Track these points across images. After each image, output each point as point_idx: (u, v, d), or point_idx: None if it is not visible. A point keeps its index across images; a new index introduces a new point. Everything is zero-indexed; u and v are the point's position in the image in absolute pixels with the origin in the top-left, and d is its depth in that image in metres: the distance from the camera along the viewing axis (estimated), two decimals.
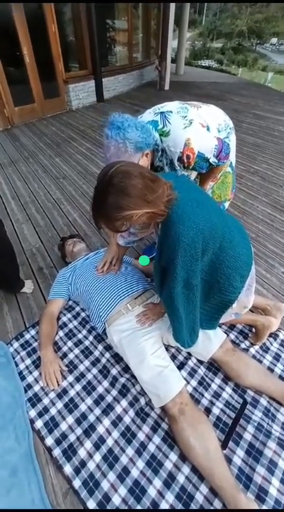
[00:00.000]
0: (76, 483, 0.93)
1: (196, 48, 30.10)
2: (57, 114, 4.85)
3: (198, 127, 1.04)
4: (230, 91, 6.42)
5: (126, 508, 0.89)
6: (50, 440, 1.03)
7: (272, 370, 1.25)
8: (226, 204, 1.49)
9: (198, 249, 0.85)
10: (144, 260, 0.87)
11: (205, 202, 0.93)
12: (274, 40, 33.75)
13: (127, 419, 1.08)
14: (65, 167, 3.09)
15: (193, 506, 0.88)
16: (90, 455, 0.99)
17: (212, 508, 0.88)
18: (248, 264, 1.03)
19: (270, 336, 1.37)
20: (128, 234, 1.30)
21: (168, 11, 5.58)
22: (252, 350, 1.32)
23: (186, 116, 1.04)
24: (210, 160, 1.12)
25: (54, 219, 2.26)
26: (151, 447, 1.01)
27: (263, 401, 1.13)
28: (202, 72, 10.33)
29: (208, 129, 1.08)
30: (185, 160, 1.06)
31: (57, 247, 1.87)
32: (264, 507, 0.87)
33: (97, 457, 0.98)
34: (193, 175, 1.28)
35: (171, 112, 1.05)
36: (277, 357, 1.30)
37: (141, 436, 1.04)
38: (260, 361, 1.28)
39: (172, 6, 5.62)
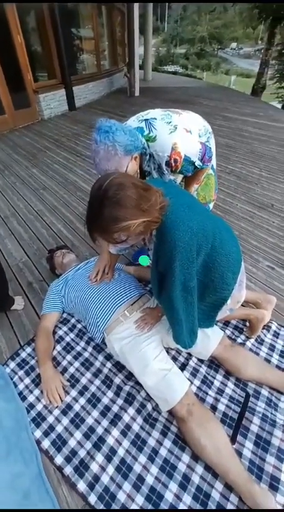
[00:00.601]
0: (92, 499, 0.91)
1: (161, 55, 30.87)
2: (29, 125, 4.76)
3: (183, 132, 1.07)
4: (198, 95, 6.64)
5: None
6: (59, 459, 1.00)
7: (269, 361, 1.30)
8: (211, 205, 1.54)
9: (193, 251, 0.88)
10: (144, 260, 0.87)
11: (195, 206, 0.96)
12: (234, 45, 35.43)
13: (136, 427, 1.07)
14: (44, 178, 3.04)
15: (210, 505, 0.90)
16: (103, 469, 0.97)
17: (228, 503, 0.90)
18: (239, 261, 1.07)
19: (263, 328, 1.42)
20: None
21: (132, 18, 5.69)
22: (248, 343, 1.36)
23: (170, 122, 1.07)
24: (195, 164, 1.16)
25: (38, 232, 2.21)
26: (163, 452, 1.01)
27: (265, 392, 1.17)
28: (169, 78, 10.61)
29: (191, 133, 1.12)
30: (173, 164, 1.09)
31: (45, 260, 1.83)
32: (278, 495, 0.90)
33: (110, 469, 0.97)
34: (179, 178, 1.32)
35: (155, 119, 1.08)
36: (272, 348, 1.36)
37: (151, 442, 1.04)
38: (257, 354, 1.32)
39: (136, 13, 5.73)
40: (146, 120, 1.08)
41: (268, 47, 9.93)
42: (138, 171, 1.09)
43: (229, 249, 1.00)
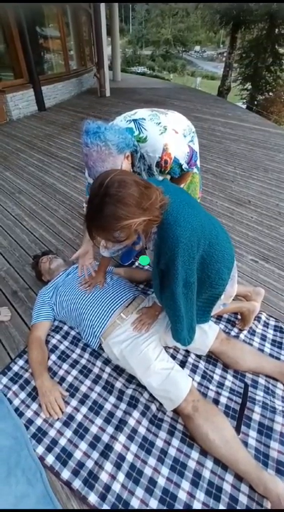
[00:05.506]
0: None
1: (127, 56, 30.95)
2: None
3: (172, 133, 1.08)
4: (169, 96, 6.74)
5: None
6: (66, 474, 0.96)
7: (262, 351, 1.35)
8: None
9: (194, 248, 0.89)
10: (145, 260, 0.87)
11: (193, 203, 0.97)
12: (197, 48, 36.53)
13: (142, 430, 1.06)
14: (18, 181, 2.91)
15: (223, 498, 0.91)
16: (113, 477, 0.94)
17: (240, 493, 0.91)
18: (233, 256, 1.10)
19: (254, 319, 1.47)
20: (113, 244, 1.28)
21: (99, 18, 5.63)
22: (242, 335, 1.40)
23: (159, 123, 1.07)
24: (183, 167, 1.17)
25: (18, 238, 2.10)
26: (172, 451, 1.01)
27: (262, 380, 1.21)
28: (138, 79, 10.67)
29: (178, 135, 1.13)
30: (163, 165, 1.09)
31: (29, 267, 1.75)
32: None
33: (121, 476, 0.95)
34: (168, 179, 1.32)
35: (144, 119, 1.07)
36: (263, 338, 1.41)
37: (159, 443, 1.03)
38: (251, 344, 1.37)
39: (103, 13, 5.69)
40: (135, 120, 1.07)
41: (230, 51, 10.33)
42: (131, 170, 1.07)
43: (224, 245, 1.03)
